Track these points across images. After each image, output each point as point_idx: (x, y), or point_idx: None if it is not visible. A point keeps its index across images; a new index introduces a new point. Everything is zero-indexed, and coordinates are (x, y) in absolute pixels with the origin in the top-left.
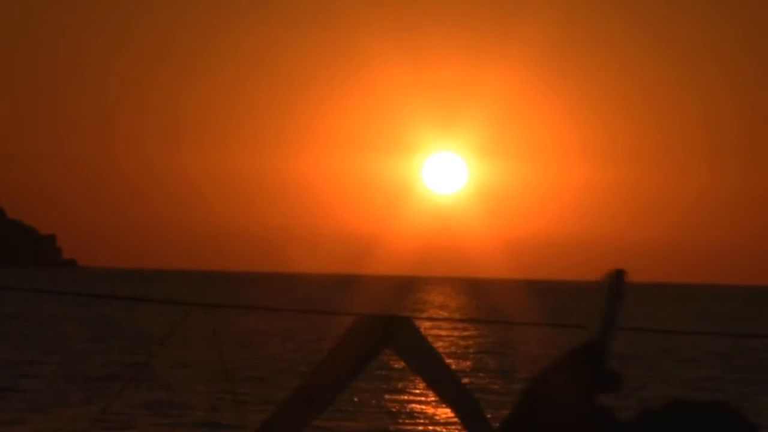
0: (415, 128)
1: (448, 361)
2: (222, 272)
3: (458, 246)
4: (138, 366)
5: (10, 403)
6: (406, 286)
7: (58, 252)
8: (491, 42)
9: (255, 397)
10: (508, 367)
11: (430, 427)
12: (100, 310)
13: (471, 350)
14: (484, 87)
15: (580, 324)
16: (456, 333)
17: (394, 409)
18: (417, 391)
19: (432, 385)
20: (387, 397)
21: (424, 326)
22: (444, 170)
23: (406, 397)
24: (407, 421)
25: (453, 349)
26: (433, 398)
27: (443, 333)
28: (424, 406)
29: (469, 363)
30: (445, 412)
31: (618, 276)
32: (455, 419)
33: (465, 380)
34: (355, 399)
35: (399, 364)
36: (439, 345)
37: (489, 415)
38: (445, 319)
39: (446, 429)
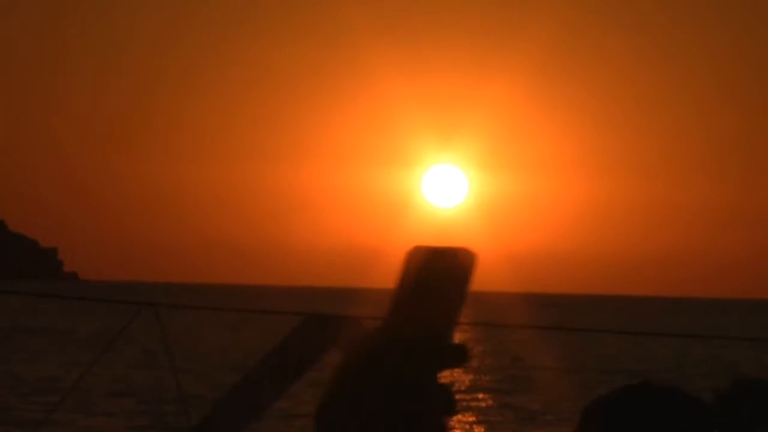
0: (415, 141)
1: None
2: (223, 285)
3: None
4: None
5: None
6: None
7: (60, 265)
8: (491, 55)
9: (204, 400)
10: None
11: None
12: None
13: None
14: (484, 100)
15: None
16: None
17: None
18: None
19: None
20: None
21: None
22: (444, 183)
23: None
24: None
25: None
26: None
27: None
28: None
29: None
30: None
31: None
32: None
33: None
34: None
35: None
36: None
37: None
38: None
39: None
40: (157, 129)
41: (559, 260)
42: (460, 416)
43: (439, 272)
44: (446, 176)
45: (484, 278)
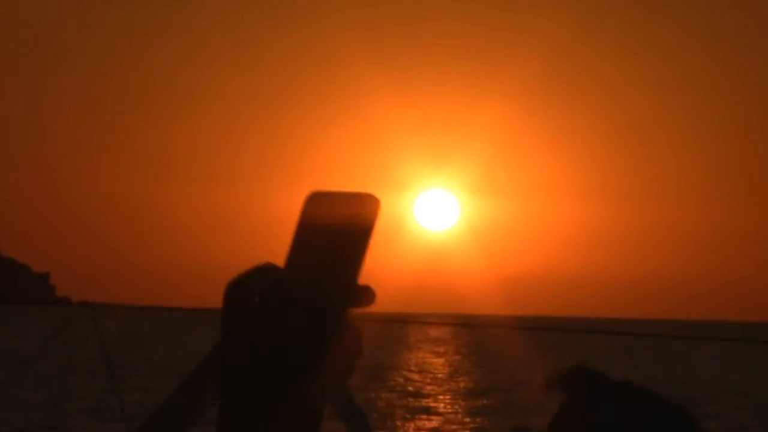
0: (407, 165)
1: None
2: (215, 310)
3: (451, 283)
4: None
5: None
6: (397, 324)
7: (52, 290)
8: (484, 80)
9: (143, 407)
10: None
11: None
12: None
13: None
14: (476, 124)
15: None
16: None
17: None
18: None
19: None
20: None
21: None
22: (436, 207)
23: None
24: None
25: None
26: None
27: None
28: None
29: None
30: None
31: None
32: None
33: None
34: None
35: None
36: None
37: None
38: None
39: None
40: (146, 154)
41: (550, 283)
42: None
43: (342, 217)
44: (438, 200)
45: (476, 301)
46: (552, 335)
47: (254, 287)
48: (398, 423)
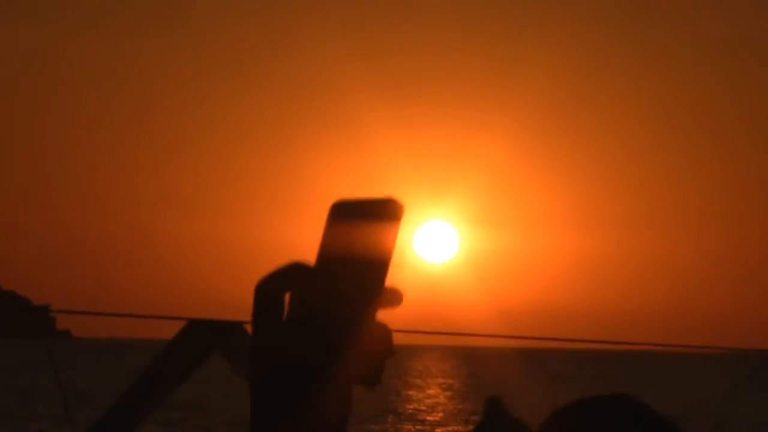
0: (406, 196)
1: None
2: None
3: (450, 314)
4: None
5: None
6: (399, 354)
7: (52, 322)
8: (483, 111)
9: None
10: None
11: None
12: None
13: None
14: (475, 155)
15: None
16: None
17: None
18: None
19: None
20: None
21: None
22: (435, 238)
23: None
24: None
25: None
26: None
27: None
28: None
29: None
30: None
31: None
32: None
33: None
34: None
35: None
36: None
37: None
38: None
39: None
40: (146, 185)
41: (551, 314)
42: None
43: (367, 223)
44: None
45: (476, 332)
46: (552, 365)
47: (284, 286)
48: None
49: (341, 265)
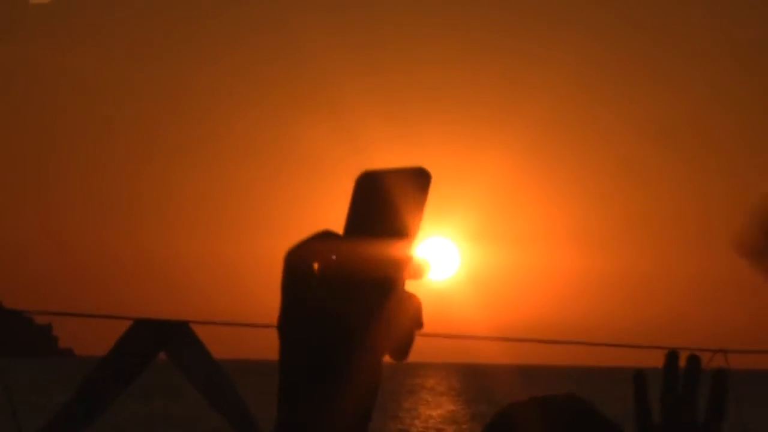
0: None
1: (226, 369)
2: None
3: (453, 331)
4: None
5: None
6: (401, 371)
7: (55, 341)
8: (485, 128)
9: None
10: None
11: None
12: None
13: None
14: (477, 172)
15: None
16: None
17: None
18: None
19: (206, 392)
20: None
21: None
22: (436, 256)
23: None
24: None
25: None
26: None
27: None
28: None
29: None
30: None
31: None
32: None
33: None
34: None
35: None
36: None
37: None
38: None
39: None
40: (150, 203)
41: (552, 331)
42: None
43: (394, 192)
44: (438, 249)
45: (478, 350)
46: (551, 382)
47: (314, 255)
48: None
49: (369, 235)
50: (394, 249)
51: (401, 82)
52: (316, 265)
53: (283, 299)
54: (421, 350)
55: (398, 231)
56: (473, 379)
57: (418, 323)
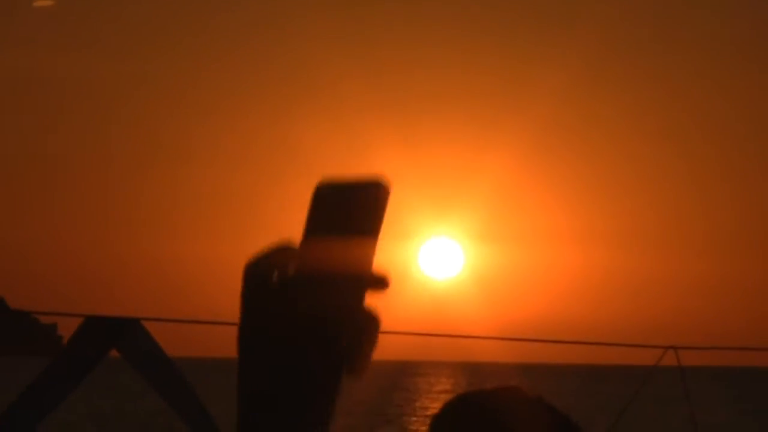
0: (411, 213)
1: (179, 366)
2: (221, 359)
3: (456, 330)
4: None
5: None
6: (404, 370)
7: (60, 340)
8: (488, 127)
9: None
10: None
11: None
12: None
13: None
14: (480, 172)
15: None
16: None
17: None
18: None
19: (160, 389)
20: None
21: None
22: (440, 255)
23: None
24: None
25: None
26: None
27: None
28: None
29: None
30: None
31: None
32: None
33: None
34: None
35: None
36: None
37: None
38: None
39: None
40: (152, 205)
41: (555, 330)
42: None
43: (352, 205)
44: (442, 248)
45: (480, 349)
46: (556, 380)
47: (272, 266)
48: None
49: (326, 248)
50: (354, 265)
51: (403, 82)
52: (275, 278)
53: (242, 310)
54: (424, 349)
55: (356, 246)
56: (476, 378)
57: (376, 338)
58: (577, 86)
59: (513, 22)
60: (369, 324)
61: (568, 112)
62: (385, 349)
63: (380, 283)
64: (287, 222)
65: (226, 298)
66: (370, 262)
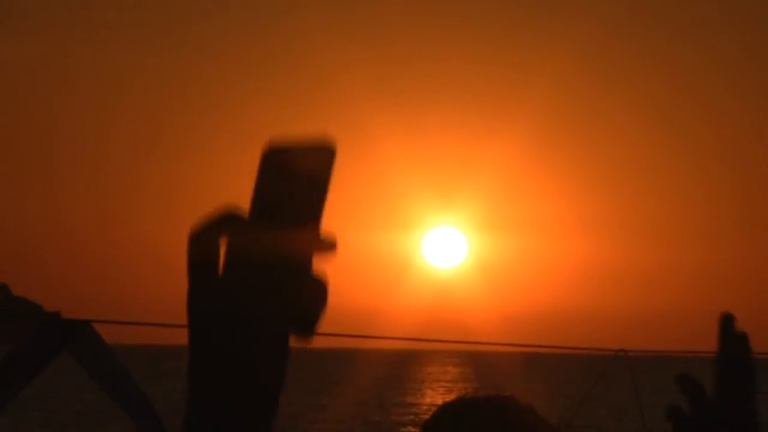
0: (415, 203)
1: (126, 366)
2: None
3: (458, 319)
4: None
5: None
6: (408, 359)
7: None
8: (491, 117)
9: None
10: None
11: None
12: None
13: None
14: (483, 161)
15: None
16: None
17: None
18: None
19: (109, 391)
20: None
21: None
22: (444, 244)
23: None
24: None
25: None
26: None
27: None
28: None
29: None
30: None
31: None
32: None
33: None
34: None
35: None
36: None
37: None
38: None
39: None
40: (155, 193)
41: (558, 320)
42: None
43: (298, 170)
44: (446, 238)
45: (484, 337)
46: (558, 368)
47: (218, 232)
48: None
49: (275, 217)
50: (302, 232)
51: (406, 71)
52: (221, 248)
53: (189, 277)
54: (427, 338)
55: (304, 213)
56: (484, 368)
57: (324, 303)
58: (580, 75)
59: (516, 10)
60: (317, 289)
61: (571, 102)
62: (387, 340)
63: (328, 246)
64: None
65: None
66: (318, 227)
